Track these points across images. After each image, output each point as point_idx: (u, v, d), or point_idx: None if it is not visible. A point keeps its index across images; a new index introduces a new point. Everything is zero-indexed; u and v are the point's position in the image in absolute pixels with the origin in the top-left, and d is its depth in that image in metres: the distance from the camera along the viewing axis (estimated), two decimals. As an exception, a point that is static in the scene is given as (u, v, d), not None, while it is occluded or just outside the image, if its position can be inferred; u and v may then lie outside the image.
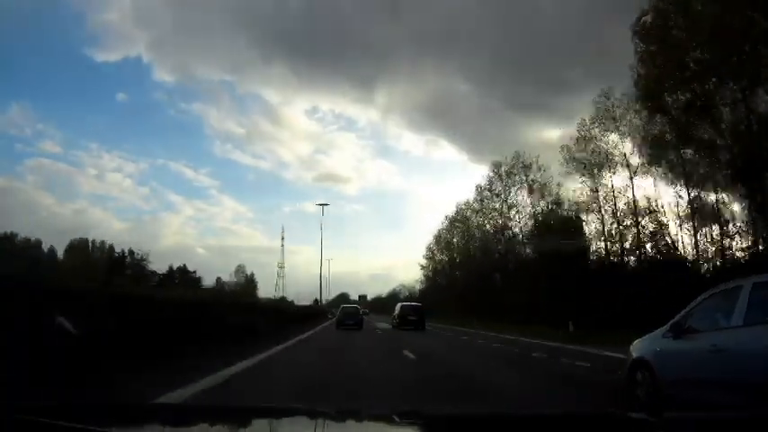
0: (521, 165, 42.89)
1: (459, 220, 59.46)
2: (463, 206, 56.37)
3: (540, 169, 41.07)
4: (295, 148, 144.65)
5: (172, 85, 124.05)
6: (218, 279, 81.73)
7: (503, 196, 45.20)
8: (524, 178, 42.58)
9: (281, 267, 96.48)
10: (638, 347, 6.71)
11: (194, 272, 68.82)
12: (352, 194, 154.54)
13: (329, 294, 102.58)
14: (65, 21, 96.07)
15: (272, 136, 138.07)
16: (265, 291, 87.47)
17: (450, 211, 63.00)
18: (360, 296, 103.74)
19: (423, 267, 74.96)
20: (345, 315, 30.46)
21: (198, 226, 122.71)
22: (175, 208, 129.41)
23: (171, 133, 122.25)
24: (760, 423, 2.26)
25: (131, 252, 64.81)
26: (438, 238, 68.10)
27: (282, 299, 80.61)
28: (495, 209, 46.54)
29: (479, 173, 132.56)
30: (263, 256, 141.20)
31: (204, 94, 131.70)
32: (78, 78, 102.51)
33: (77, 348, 6.18)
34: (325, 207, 55.35)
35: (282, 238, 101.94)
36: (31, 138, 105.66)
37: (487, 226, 49.09)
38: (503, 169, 44.71)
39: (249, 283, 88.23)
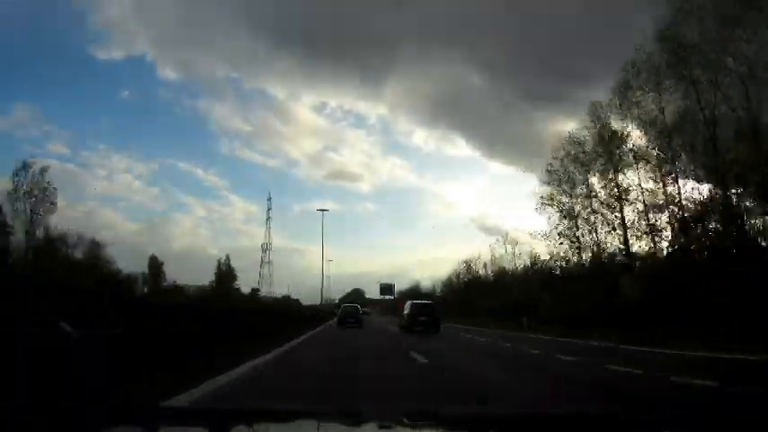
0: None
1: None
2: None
3: None
4: (304, 145, 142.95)
5: (177, 83, 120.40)
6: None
7: None
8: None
9: (266, 249, 77.01)
10: None
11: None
12: (364, 192, 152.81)
13: (334, 291, 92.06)
14: (66, 20, 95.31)
15: (281, 133, 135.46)
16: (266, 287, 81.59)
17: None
18: (382, 286, 78.85)
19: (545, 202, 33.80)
20: (346, 314, 33.84)
21: (210, 227, 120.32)
22: (186, 209, 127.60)
23: (178, 132, 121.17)
24: (760, 423, 2.29)
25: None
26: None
27: (255, 291, 68.14)
28: None
29: (493, 169, 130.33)
30: (273, 256, 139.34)
31: (210, 91, 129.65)
32: (83, 78, 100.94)
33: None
34: (333, 209, 48.98)
35: (269, 210, 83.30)
36: (38, 139, 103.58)
37: None
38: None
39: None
